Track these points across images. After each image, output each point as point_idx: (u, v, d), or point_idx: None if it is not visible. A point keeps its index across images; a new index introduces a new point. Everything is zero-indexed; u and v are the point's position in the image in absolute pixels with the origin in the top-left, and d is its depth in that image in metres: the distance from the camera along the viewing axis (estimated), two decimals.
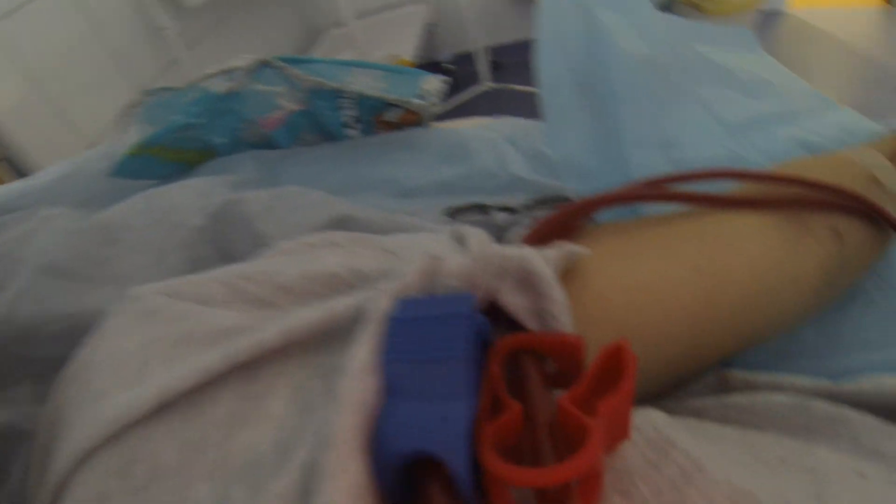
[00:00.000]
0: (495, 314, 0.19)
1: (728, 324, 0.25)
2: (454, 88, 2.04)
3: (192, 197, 0.44)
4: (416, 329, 0.15)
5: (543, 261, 0.19)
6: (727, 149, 0.42)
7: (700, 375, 0.26)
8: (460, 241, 0.21)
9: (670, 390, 0.26)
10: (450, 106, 1.91)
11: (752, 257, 0.26)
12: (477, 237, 0.20)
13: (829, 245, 0.29)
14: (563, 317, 0.18)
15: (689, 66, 0.47)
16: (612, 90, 0.40)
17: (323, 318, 0.17)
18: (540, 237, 0.23)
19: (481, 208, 0.43)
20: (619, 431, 0.15)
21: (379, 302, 0.16)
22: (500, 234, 0.37)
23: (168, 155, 0.67)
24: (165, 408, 0.15)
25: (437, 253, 0.19)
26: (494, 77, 2.05)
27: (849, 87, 1.85)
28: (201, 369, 0.15)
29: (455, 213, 0.43)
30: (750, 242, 0.26)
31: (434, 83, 0.55)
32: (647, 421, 0.17)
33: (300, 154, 0.59)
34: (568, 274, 0.21)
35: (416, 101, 0.55)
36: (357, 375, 0.14)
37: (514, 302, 0.18)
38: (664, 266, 0.24)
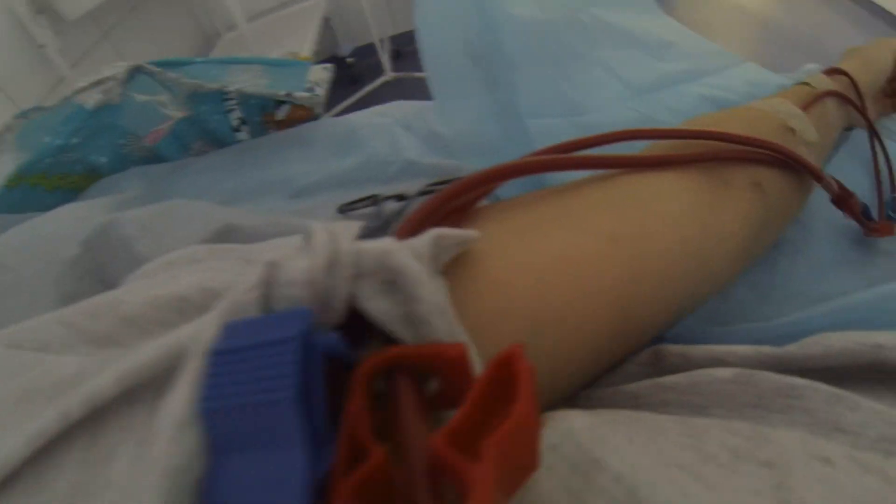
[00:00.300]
0: (364, 327, 0.15)
1: (656, 294, 0.22)
2: (357, 81, 1.99)
3: (69, 224, 0.38)
4: (240, 363, 0.12)
5: (411, 253, 0.15)
6: (634, 110, 0.41)
7: (633, 355, 0.23)
8: (307, 239, 0.16)
9: (603, 375, 0.23)
10: (354, 99, 1.87)
11: (672, 218, 0.23)
12: (326, 233, 0.15)
13: (751, 198, 0.27)
14: (437, 320, 0.15)
15: (589, 30, 0.46)
16: (506, 58, 0.37)
17: (158, 356, 0.12)
18: (416, 225, 0.19)
19: (374, 199, 0.39)
20: (523, 461, 0.11)
21: (202, 332, 0.12)
22: (389, 226, 0.33)
23: (50, 182, 0.60)
24: (8, 484, 0.12)
25: (278, 257, 0.15)
26: (397, 66, 2.00)
27: (748, 47, 1.94)
28: (35, 435, 0.12)
29: (347, 208, 0.39)
30: (668, 203, 0.24)
31: (320, 73, 0.51)
32: (568, 436, 0.14)
33: (190, 165, 0.54)
34: (458, 263, 0.18)
35: (302, 94, 0.51)
36: (170, 436, 0.10)
37: (378, 308, 0.15)
38: (575, 238, 0.21)
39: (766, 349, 0.18)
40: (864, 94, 0.47)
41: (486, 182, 0.22)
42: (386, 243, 0.15)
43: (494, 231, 0.20)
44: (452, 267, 0.17)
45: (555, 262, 0.20)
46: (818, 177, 0.32)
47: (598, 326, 0.20)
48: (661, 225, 0.23)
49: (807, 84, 0.41)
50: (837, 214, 0.39)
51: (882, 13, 2.03)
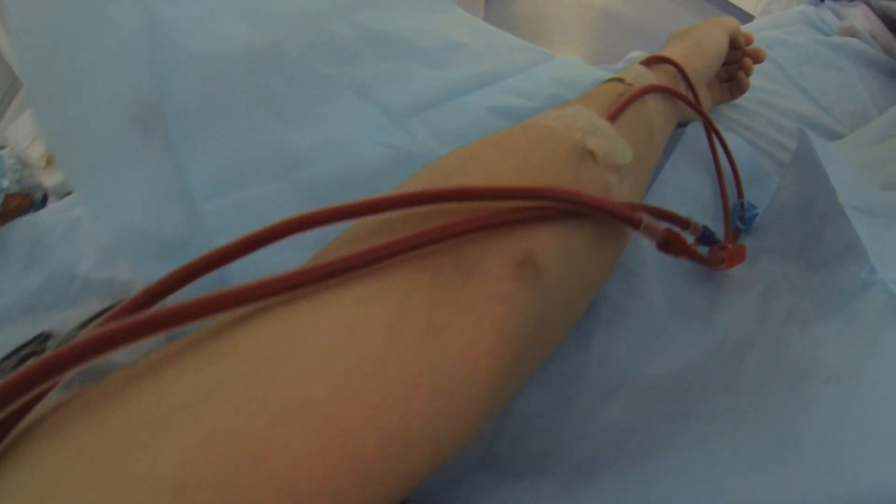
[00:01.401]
0: None
1: None
2: None
3: None
4: None
5: None
6: (386, 145, 0.30)
7: None
8: None
9: None
10: None
11: (334, 390, 0.12)
12: None
13: (512, 290, 0.17)
14: None
15: (344, 44, 0.35)
16: (184, 115, 0.25)
17: None
18: None
19: (43, 339, 0.26)
20: None
21: None
22: None
23: None
24: None
25: None
26: None
27: (588, 38, 1.97)
28: None
29: (7, 358, 0.26)
30: (336, 357, 0.13)
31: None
32: None
33: None
34: None
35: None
36: None
37: None
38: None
39: None
40: (695, 83, 0.40)
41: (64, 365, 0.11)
42: None
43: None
44: None
45: None
46: (630, 221, 0.22)
47: None
48: (306, 418, 0.12)
49: (619, 80, 0.32)
50: None
51: (722, 2, 2.15)
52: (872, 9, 0.68)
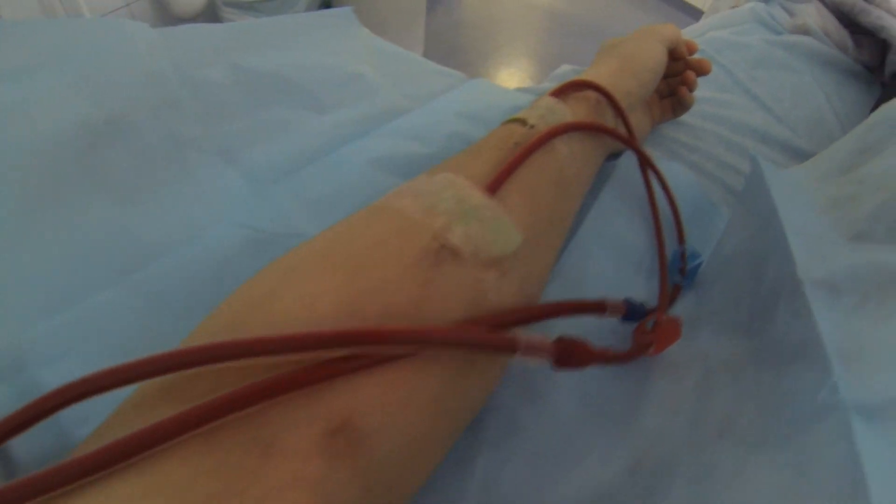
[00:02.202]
0: None
1: None
2: None
3: None
4: None
5: None
6: (244, 225, 0.26)
7: None
8: None
9: None
10: None
11: None
12: None
13: (318, 474, 0.14)
14: None
15: (216, 93, 0.31)
16: None
17: None
18: None
19: None
20: None
21: None
22: None
23: None
24: None
25: None
26: None
27: (536, 40, 1.93)
28: None
29: None
30: None
31: None
32: None
33: None
34: None
35: None
36: None
37: None
38: None
39: None
40: (627, 107, 0.34)
41: None
42: None
43: None
44: None
45: None
46: (502, 348, 0.16)
47: None
48: None
49: (520, 121, 0.27)
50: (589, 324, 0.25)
51: None
52: (825, 4, 0.63)
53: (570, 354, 0.18)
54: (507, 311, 0.19)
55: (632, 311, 0.25)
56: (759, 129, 0.47)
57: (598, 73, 0.34)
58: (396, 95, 0.40)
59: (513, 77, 1.72)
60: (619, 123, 0.34)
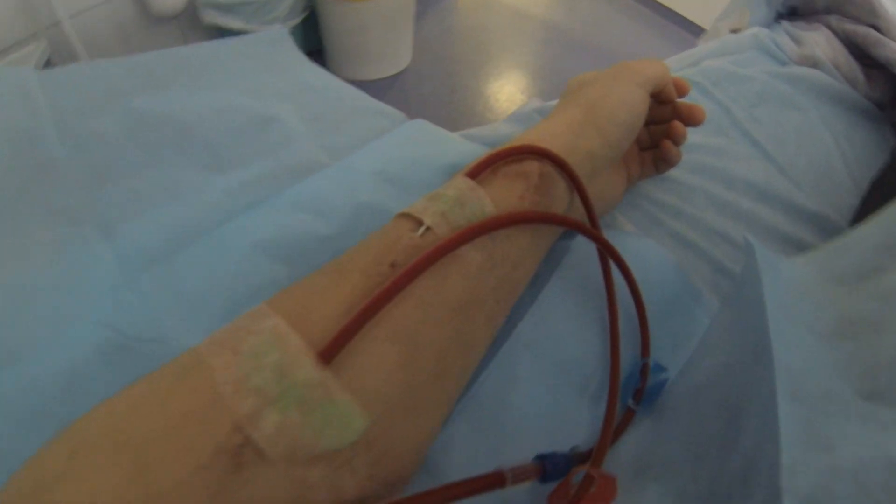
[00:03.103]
0: None
1: None
2: None
3: None
4: None
5: None
6: (105, 324, 0.22)
7: None
8: None
9: None
10: None
11: None
12: None
13: None
14: None
15: (102, 148, 0.28)
16: None
17: None
18: None
19: None
20: None
21: None
22: None
23: None
24: None
25: None
26: None
27: (530, 50, 1.86)
28: None
29: None
30: None
31: None
32: None
33: None
34: None
35: None
36: None
37: None
38: None
39: None
40: (592, 170, 0.27)
41: None
42: None
43: None
44: None
45: None
46: None
47: None
48: None
49: (413, 219, 0.20)
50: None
51: (661, 9, 2.04)
52: (835, 33, 0.56)
53: None
54: None
55: (553, 471, 0.19)
56: (759, 183, 0.40)
57: (553, 128, 0.27)
58: (313, 147, 0.33)
59: (503, 89, 1.64)
60: (574, 198, 0.26)
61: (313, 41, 1.67)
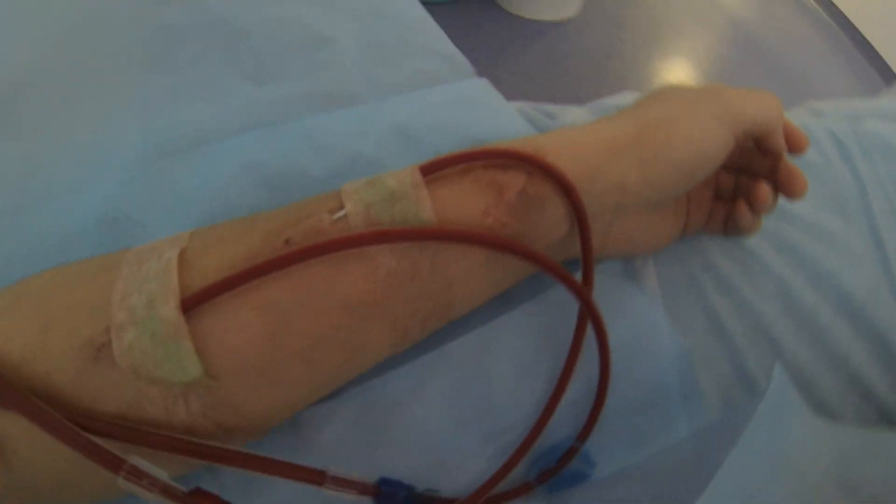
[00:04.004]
0: None
1: None
2: None
3: None
4: None
5: None
6: (105, 199, 0.24)
7: None
8: None
9: None
10: None
11: None
12: None
13: None
14: None
15: (167, 36, 0.29)
16: None
17: None
18: None
19: None
20: None
21: None
22: None
23: None
24: None
25: None
26: None
27: (695, 43, 1.66)
28: None
29: None
30: None
31: None
32: None
33: None
34: None
35: None
36: None
37: None
38: None
39: None
40: (616, 206, 0.21)
41: None
42: None
43: None
44: None
45: None
46: None
47: None
48: None
49: (337, 199, 0.20)
50: None
51: (858, 39, 1.71)
52: None
53: None
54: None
55: (387, 499, 0.18)
56: (857, 296, 0.31)
57: (583, 139, 0.21)
58: (358, 77, 0.31)
59: (659, 73, 1.49)
60: (574, 232, 0.21)
61: None
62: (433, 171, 0.19)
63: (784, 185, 0.26)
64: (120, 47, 0.28)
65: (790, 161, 0.27)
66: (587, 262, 0.21)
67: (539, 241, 0.20)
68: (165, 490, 0.15)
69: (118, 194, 0.24)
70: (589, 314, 0.21)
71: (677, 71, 1.51)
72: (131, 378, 0.16)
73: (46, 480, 0.17)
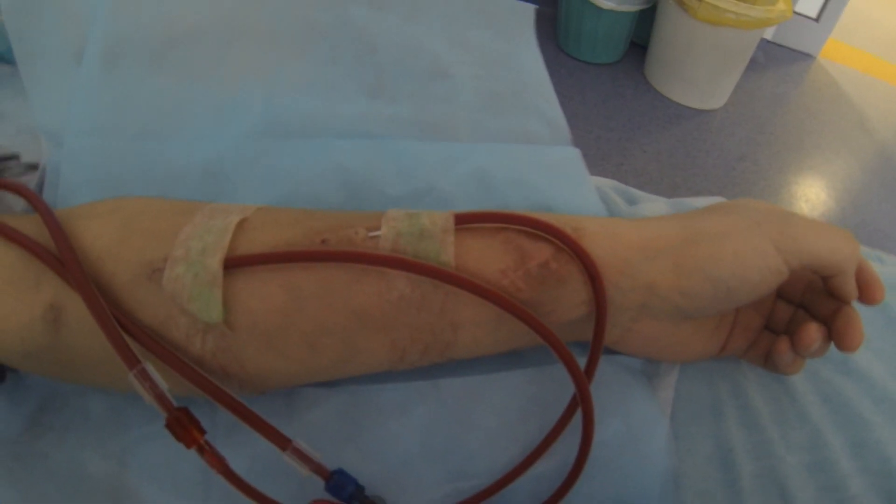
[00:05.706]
0: None
1: None
2: None
3: None
4: None
5: None
6: (232, 149, 0.28)
7: None
8: None
9: None
10: None
11: None
12: None
13: None
14: None
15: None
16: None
17: None
18: None
19: None
20: None
21: None
22: None
23: None
24: None
25: None
26: None
27: (849, 158, 1.54)
28: None
29: None
30: None
31: None
32: None
33: None
34: None
35: None
36: None
37: None
38: None
39: None
40: (641, 307, 0.22)
41: None
42: None
43: None
44: None
45: None
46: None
47: None
48: None
49: (379, 219, 0.22)
50: None
51: None
52: None
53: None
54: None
55: (335, 488, 0.20)
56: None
57: (626, 233, 0.22)
58: (464, 118, 0.33)
59: (790, 185, 1.40)
60: (589, 319, 0.21)
61: (643, 35, 1.60)
62: (468, 222, 0.21)
63: (837, 333, 0.24)
64: (273, 29, 0.31)
65: (856, 309, 0.25)
66: (594, 351, 0.22)
67: (553, 315, 0.21)
68: (160, 398, 0.18)
69: (226, 153, 0.27)
70: (580, 400, 0.21)
71: (807, 188, 1.42)
72: (169, 302, 0.19)
73: (80, 356, 0.20)
